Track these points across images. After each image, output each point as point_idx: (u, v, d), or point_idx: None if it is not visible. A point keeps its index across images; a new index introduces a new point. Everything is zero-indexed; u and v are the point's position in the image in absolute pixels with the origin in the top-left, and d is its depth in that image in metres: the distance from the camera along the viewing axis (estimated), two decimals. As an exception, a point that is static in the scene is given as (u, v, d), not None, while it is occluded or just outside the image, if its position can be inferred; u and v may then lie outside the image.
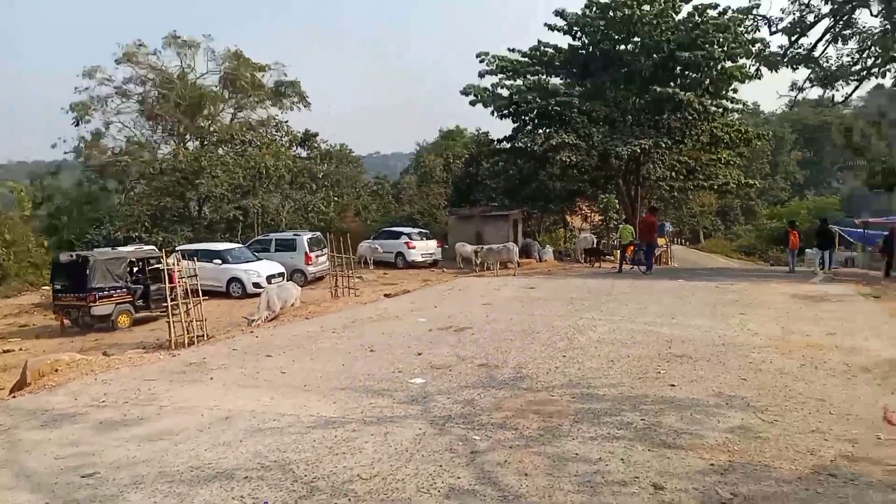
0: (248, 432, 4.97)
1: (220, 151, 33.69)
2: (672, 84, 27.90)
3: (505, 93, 30.72)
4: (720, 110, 29.49)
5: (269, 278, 18.81)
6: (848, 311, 9.72)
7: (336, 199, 38.98)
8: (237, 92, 37.43)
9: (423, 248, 27.99)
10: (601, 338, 8.13)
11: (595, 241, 30.15)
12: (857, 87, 21.58)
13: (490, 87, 30.24)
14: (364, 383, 6.29)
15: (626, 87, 30.13)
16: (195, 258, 19.48)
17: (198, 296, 10.57)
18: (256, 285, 18.40)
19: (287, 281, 18.41)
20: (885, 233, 23.84)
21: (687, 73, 28.64)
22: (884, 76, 18.03)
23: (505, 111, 30.87)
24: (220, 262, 19.83)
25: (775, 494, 3.58)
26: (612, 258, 34.01)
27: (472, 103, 30.08)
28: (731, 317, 9.44)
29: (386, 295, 14.53)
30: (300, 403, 5.66)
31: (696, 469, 3.97)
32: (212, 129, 36.98)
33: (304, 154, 39.81)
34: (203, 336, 10.14)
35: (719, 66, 28.23)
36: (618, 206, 33.91)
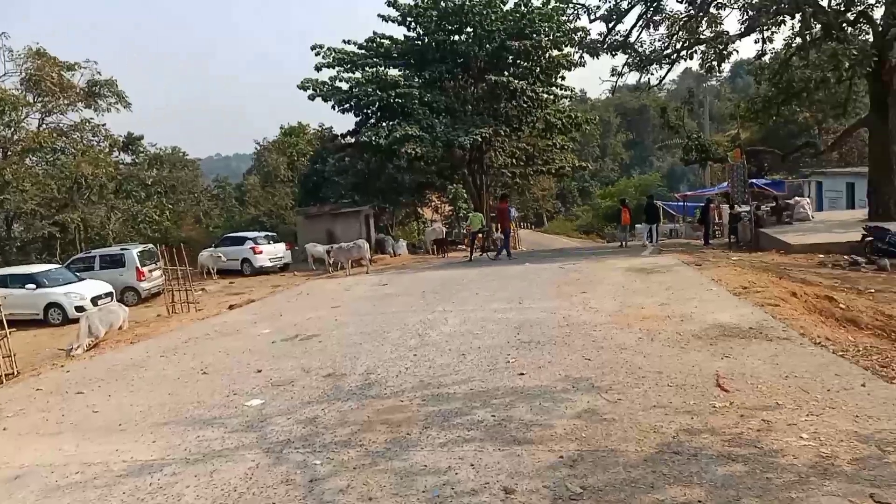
0: (43, 493, 4.15)
1: (28, 162, 29.83)
2: (506, 73, 28.84)
3: (344, 86, 30.09)
4: (551, 97, 30.97)
5: (95, 300, 16.86)
6: (676, 281, 10.39)
7: (170, 206, 36.18)
8: (43, 94, 33.36)
9: (271, 252, 26.65)
10: (453, 331, 7.97)
11: (443, 231, 30.42)
12: (669, 70, 23.40)
13: (329, 81, 29.44)
14: (192, 413, 5.59)
15: (463, 77, 30.71)
16: (5, 284, 17.11)
17: (2, 328, 9.10)
18: (80, 309, 16.38)
19: (115, 301, 16.61)
20: (701, 205, 26.42)
21: (518, 61, 29.69)
22: (692, 58, 19.68)
23: (346, 105, 30.24)
24: (34, 286, 17.45)
25: (623, 482, 3.50)
26: (464, 247, 34.74)
27: (311, 97, 29.11)
28: (573, 296, 9.71)
29: (230, 306, 13.53)
30: (111, 448, 4.86)
31: (547, 464, 3.83)
32: (15, 137, 32.64)
33: (128, 160, 36.40)
34: (13, 374, 8.74)
35: (547, 55, 29.59)
36: (465, 195, 34.61)
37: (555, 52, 29.93)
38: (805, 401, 4.51)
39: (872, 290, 12.04)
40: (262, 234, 28.20)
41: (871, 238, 16.49)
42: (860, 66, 16.56)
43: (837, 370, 5.14)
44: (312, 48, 29.66)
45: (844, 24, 19.75)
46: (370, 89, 28.07)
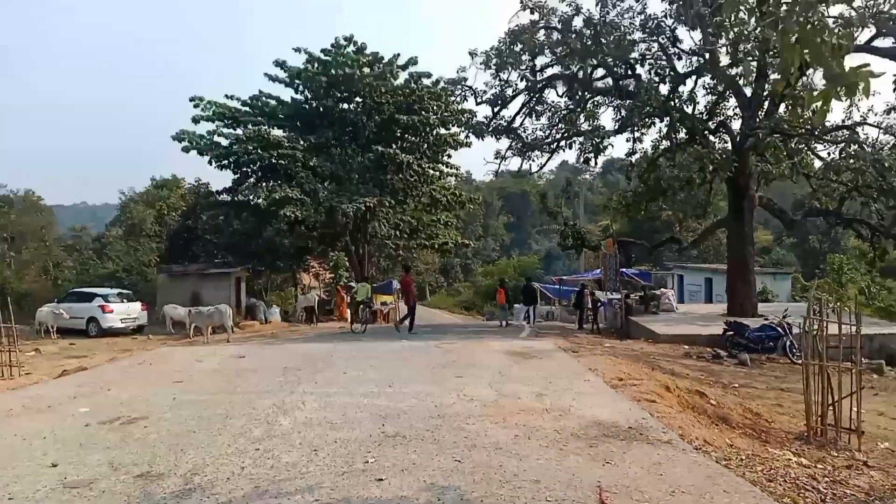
0: None
1: None
2: (394, 146, 28.87)
3: (224, 142, 28.77)
4: (437, 174, 31.28)
5: None
6: (553, 368, 10.00)
7: (12, 254, 32.28)
8: None
9: (124, 311, 24.04)
10: (309, 418, 6.94)
11: (315, 300, 29.04)
12: (549, 158, 24.35)
13: (207, 135, 28.03)
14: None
15: (350, 146, 30.39)
16: None
17: None
18: None
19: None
20: (576, 289, 27.13)
21: (406, 135, 29.88)
22: (570, 147, 20.57)
23: (224, 161, 28.84)
24: None
25: None
26: (336, 316, 33.43)
27: (185, 150, 27.50)
28: (448, 380, 9.01)
29: (63, 372, 11.56)
30: None
31: None
32: None
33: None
34: None
35: (434, 132, 30.03)
36: (347, 263, 33.67)
37: (442, 131, 30.47)
38: (696, 524, 3.99)
39: (737, 385, 12.31)
40: (115, 291, 25.51)
41: (731, 333, 17.27)
42: (721, 170, 17.85)
43: (725, 485, 4.71)
44: (191, 100, 28.32)
45: (706, 132, 21.52)
46: (251, 147, 26.94)
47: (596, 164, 20.43)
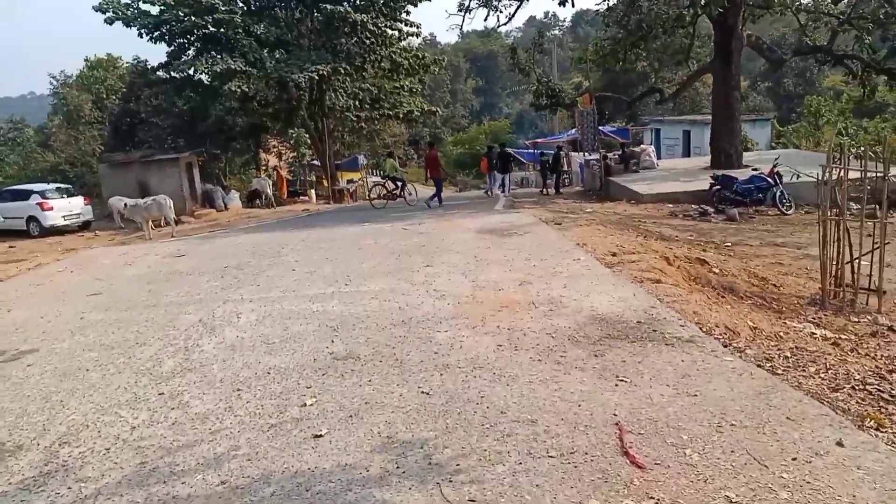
0: None
1: None
2: (345, 3, 25.73)
3: (154, 10, 25.38)
4: (396, 34, 28.30)
5: None
6: (536, 246, 8.64)
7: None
8: None
9: (65, 207, 22.01)
10: (240, 338, 5.54)
11: (268, 183, 27.04)
12: (518, 7, 21.75)
13: (132, 2, 24.63)
14: None
15: (298, 8, 27.09)
16: None
17: None
18: None
19: None
20: (552, 152, 25.51)
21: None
22: None
23: (156, 33, 25.60)
24: None
25: None
26: (306, 198, 31.68)
27: (109, 21, 24.21)
28: (416, 271, 7.63)
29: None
30: None
31: None
32: None
33: None
34: None
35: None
36: (308, 140, 31.38)
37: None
38: (769, 486, 2.73)
39: (730, 244, 11.31)
40: (54, 186, 23.29)
41: (718, 187, 16.15)
42: (715, 3, 15.70)
43: (784, 407, 3.46)
44: (109, -40, 24.47)
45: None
46: (182, 13, 23.72)
47: (573, 4, 17.99)
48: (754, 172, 15.99)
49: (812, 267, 8.93)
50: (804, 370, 4.12)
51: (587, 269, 7.10)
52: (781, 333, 5.41)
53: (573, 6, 17.77)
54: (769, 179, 15.38)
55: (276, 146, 45.01)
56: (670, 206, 16.88)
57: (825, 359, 4.36)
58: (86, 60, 40.61)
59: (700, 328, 4.98)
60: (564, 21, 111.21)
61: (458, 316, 5.62)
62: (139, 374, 4.81)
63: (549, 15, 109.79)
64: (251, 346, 5.25)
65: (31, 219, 21.38)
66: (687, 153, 34.18)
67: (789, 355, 4.43)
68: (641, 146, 24.99)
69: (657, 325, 5.02)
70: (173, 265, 9.59)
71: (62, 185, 23.84)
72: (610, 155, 22.91)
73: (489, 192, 21.47)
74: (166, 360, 5.08)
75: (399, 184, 19.90)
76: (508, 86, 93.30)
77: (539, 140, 30.13)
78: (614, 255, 8.06)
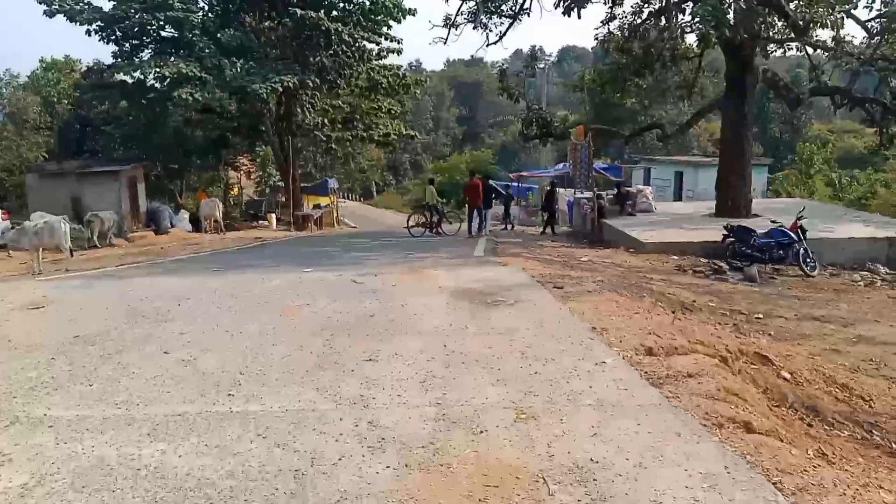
0: None
1: None
2: (320, 11, 23.25)
3: (108, 6, 22.65)
4: (375, 48, 25.89)
5: None
6: (535, 329, 5.90)
7: None
8: None
9: (-29, 222, 18.93)
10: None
11: (217, 205, 24.10)
12: (511, 24, 19.39)
13: (81, -3, 21.90)
14: None
15: (267, 11, 24.57)
16: None
17: None
18: None
19: None
20: (535, 187, 23.06)
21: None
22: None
23: (107, 31, 22.88)
24: None
25: None
26: (266, 222, 28.71)
27: (49, 14, 21.37)
28: (349, 370, 4.84)
29: None
30: None
31: None
32: None
33: None
34: None
35: (370, -3, 24.44)
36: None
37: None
38: None
39: (760, 316, 8.88)
40: (-34, 197, 20.18)
41: (733, 240, 13.85)
42: (745, 26, 13.41)
43: None
44: (54, -54, 21.73)
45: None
46: (132, 10, 21.00)
47: (580, 15, 15.61)
48: (774, 225, 13.76)
49: (880, 358, 6.80)
50: None
51: (621, 386, 4.41)
52: None
53: (579, 17, 15.41)
54: (791, 234, 13.14)
55: (244, 164, 42.17)
56: (675, 257, 14.51)
57: None
58: (41, 61, 37.61)
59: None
60: (550, 56, 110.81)
61: (402, 508, 2.86)
62: None
63: (536, 48, 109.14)
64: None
65: (-71, 234, 18.15)
66: (678, 196, 32.11)
67: None
68: (638, 186, 22.69)
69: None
70: (6, 328, 6.62)
71: (-24, 196, 20.71)
72: (604, 194, 20.52)
73: (474, 232, 18.35)
74: None
75: (437, 213, 18.70)
76: (493, 116, 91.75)
77: (524, 174, 27.63)
78: (651, 351, 5.42)
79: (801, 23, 14.82)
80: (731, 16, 12.75)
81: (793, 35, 17.64)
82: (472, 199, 17.97)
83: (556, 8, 16.00)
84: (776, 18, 17.92)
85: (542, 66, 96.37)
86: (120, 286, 8.86)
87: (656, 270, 13.02)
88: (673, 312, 7.77)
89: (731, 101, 18.33)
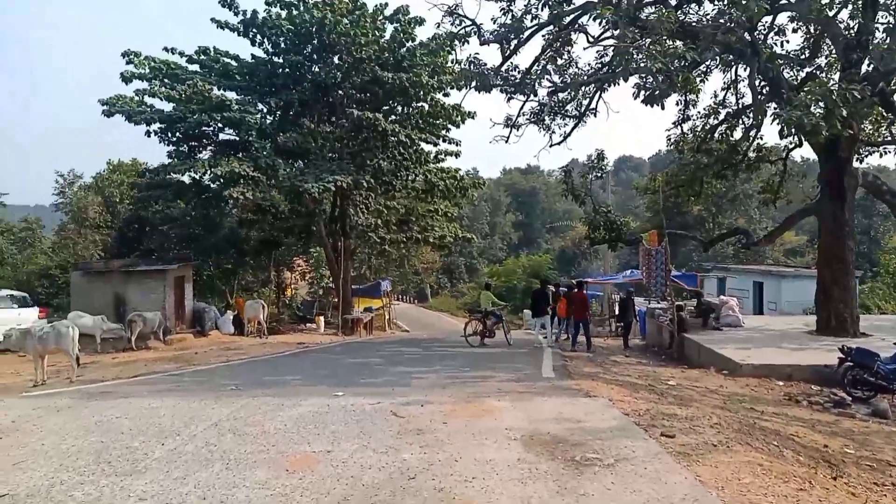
0: None
1: None
2: (378, 114, 22.81)
3: (168, 107, 22.83)
4: (433, 150, 25.21)
5: None
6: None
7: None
8: None
9: (12, 320, 18.04)
10: None
11: (262, 308, 22.83)
12: (575, 125, 18.22)
13: (137, 96, 22.12)
14: None
15: (325, 113, 24.38)
16: None
17: None
18: None
19: None
20: (599, 293, 21.02)
21: (394, 103, 23.88)
22: (625, 80, 13.69)
23: (166, 131, 22.96)
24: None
25: None
26: (314, 325, 27.42)
27: (107, 114, 21.53)
28: None
29: None
30: None
31: None
32: None
33: None
34: None
35: (430, 98, 23.95)
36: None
37: (440, 97, 24.43)
38: None
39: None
40: (5, 293, 19.55)
41: (851, 364, 11.38)
42: (857, 115, 11.61)
43: None
44: (124, 55, 22.27)
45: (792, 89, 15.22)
46: (189, 111, 20.96)
47: (663, 106, 14.12)
48: (897, 348, 11.33)
49: None
50: None
51: None
52: None
53: (662, 108, 13.91)
54: (922, 359, 10.72)
55: (300, 265, 41.76)
56: (780, 383, 12.06)
57: None
58: (108, 163, 38.89)
59: None
60: (608, 163, 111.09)
61: None
62: None
63: (592, 157, 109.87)
64: None
65: (-35, 333, 17.35)
66: (759, 309, 29.24)
67: None
68: (722, 297, 20.32)
69: None
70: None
71: (16, 293, 20.10)
72: (684, 305, 18.27)
73: (554, 340, 16.97)
74: None
75: (494, 317, 16.87)
76: (549, 221, 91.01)
77: (589, 280, 25.64)
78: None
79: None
80: (842, 109, 11.00)
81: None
82: (578, 312, 16.61)
83: (635, 98, 14.58)
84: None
85: (599, 174, 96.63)
86: (109, 412, 7.19)
87: (763, 401, 10.65)
88: (834, 478, 5.52)
89: (829, 205, 16.28)
